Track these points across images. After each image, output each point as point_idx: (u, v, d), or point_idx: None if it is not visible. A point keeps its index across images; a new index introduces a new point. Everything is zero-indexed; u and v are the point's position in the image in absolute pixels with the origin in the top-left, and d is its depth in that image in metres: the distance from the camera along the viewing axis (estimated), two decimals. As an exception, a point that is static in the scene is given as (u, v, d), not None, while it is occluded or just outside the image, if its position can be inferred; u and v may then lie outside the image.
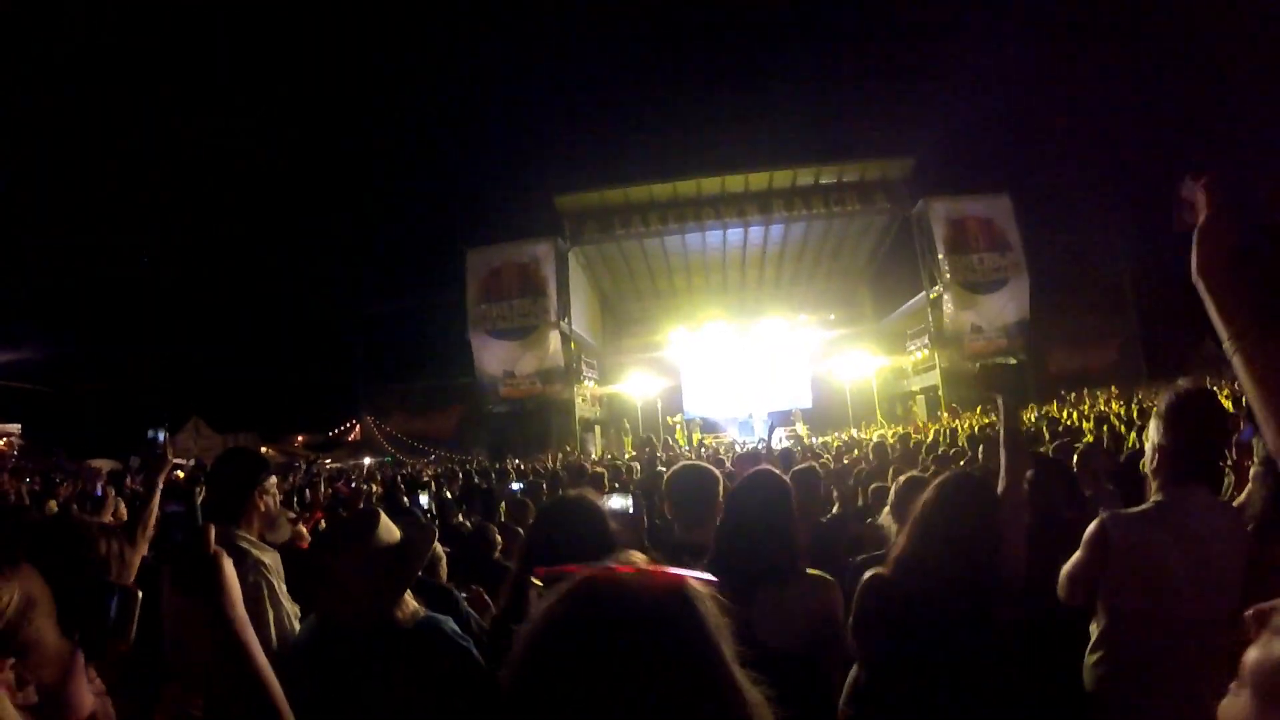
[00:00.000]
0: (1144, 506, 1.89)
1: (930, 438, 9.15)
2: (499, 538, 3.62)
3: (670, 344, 23.50)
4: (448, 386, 24.06)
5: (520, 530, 3.68)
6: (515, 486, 6.58)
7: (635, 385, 22.45)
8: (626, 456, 13.08)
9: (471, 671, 1.50)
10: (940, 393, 20.79)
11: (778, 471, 2.07)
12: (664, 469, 3.88)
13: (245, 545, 2.03)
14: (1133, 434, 6.53)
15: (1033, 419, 10.31)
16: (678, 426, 21.23)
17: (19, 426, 21.31)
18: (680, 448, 16.98)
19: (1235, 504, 2.22)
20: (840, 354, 22.51)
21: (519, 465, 12.37)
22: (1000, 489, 1.93)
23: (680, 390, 23.72)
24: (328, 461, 21.19)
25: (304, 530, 3.63)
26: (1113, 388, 15.54)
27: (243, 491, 2.14)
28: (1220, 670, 1.68)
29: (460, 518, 5.11)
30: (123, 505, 3.98)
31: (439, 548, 2.81)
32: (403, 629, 1.54)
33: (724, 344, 23.59)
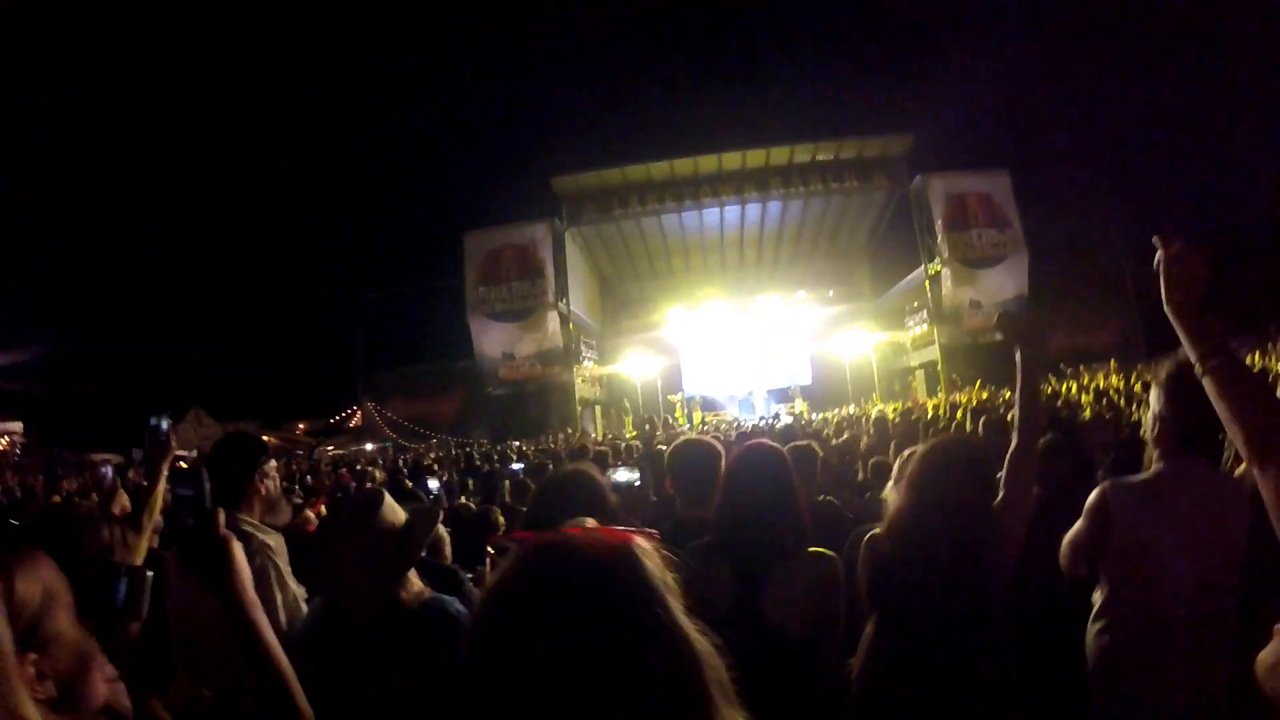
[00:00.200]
0: (1144, 476, 1.89)
1: (930, 413, 9.16)
2: (501, 519, 3.64)
3: (669, 323, 23.43)
4: (448, 370, 24.03)
5: (524, 510, 3.69)
6: (516, 467, 6.62)
7: (635, 365, 22.44)
8: (629, 437, 13.12)
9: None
10: (940, 368, 20.79)
11: (774, 445, 2.03)
12: (663, 447, 3.89)
13: (249, 529, 2.04)
14: (1133, 408, 6.53)
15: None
16: (678, 405, 21.29)
17: (20, 425, 21.35)
18: (680, 426, 17.03)
19: (1236, 474, 2.23)
20: (839, 331, 22.45)
21: (520, 447, 12.41)
22: (1011, 450, 1.83)
23: (680, 369, 23.72)
24: (329, 448, 21.26)
25: (311, 515, 3.65)
26: (1112, 363, 15.52)
27: (243, 476, 2.14)
28: (1222, 639, 1.71)
29: (464, 499, 5.13)
30: (126, 498, 3.99)
31: (442, 529, 2.82)
32: (408, 609, 1.55)
33: (723, 322, 23.54)
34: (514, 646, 0.59)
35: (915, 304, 22.76)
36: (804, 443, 3.66)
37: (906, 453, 2.81)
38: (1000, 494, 1.81)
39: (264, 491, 2.19)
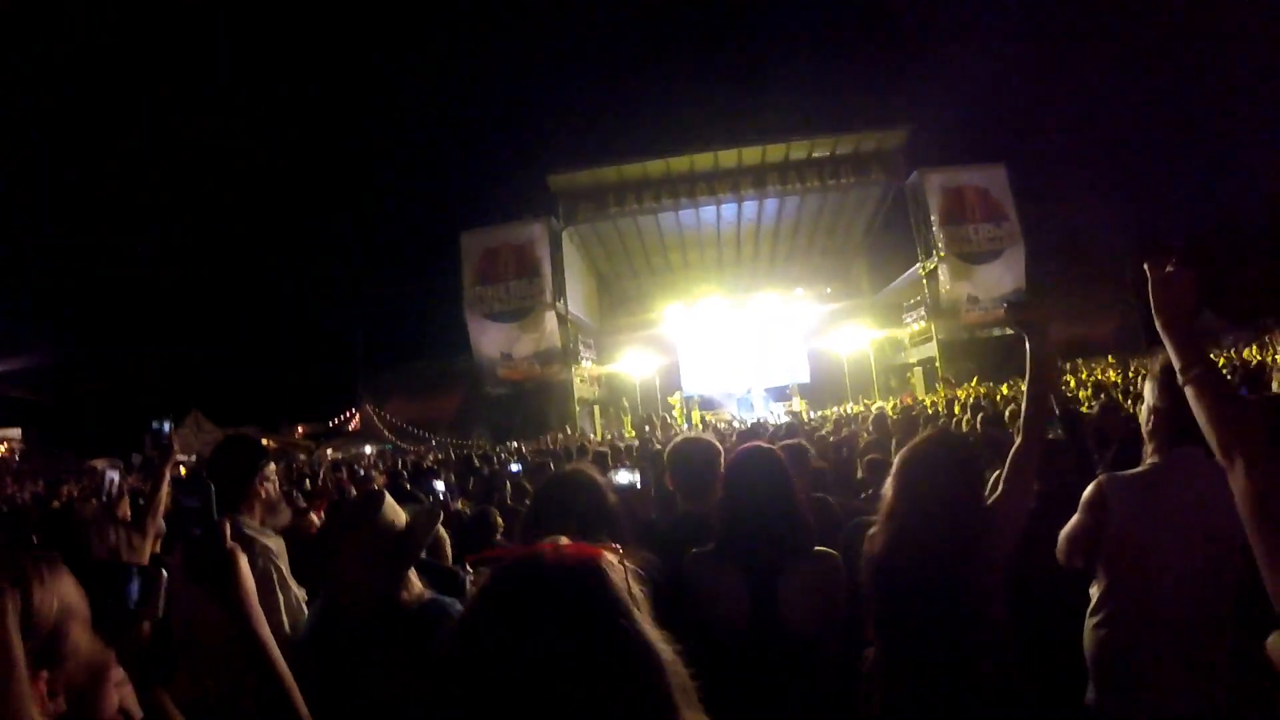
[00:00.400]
0: (1141, 468, 1.90)
1: (930, 410, 9.17)
2: (500, 520, 3.64)
3: (666, 321, 23.39)
4: (446, 371, 24.03)
5: (523, 510, 3.69)
6: (514, 468, 6.61)
7: (633, 364, 22.44)
8: (628, 437, 13.12)
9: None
10: (938, 364, 20.81)
11: (769, 446, 2.04)
12: (660, 447, 3.90)
13: (251, 532, 2.05)
14: (1129, 402, 6.55)
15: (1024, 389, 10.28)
16: (676, 404, 21.28)
17: (19, 431, 21.31)
18: (679, 426, 17.04)
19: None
20: (837, 328, 22.45)
21: (518, 448, 12.40)
22: (1014, 448, 1.84)
23: (678, 368, 23.71)
24: (329, 451, 21.24)
25: (314, 518, 3.65)
26: (1109, 357, 15.54)
27: (244, 479, 2.15)
28: (1219, 630, 1.72)
29: (461, 504, 5.13)
30: (127, 503, 3.98)
31: (442, 531, 2.83)
32: (408, 609, 1.56)
33: (720, 320, 23.51)
34: (484, 661, 0.63)
35: (913, 300, 22.76)
36: (794, 441, 3.72)
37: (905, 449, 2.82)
38: (998, 490, 1.82)
39: (264, 495, 2.20)
